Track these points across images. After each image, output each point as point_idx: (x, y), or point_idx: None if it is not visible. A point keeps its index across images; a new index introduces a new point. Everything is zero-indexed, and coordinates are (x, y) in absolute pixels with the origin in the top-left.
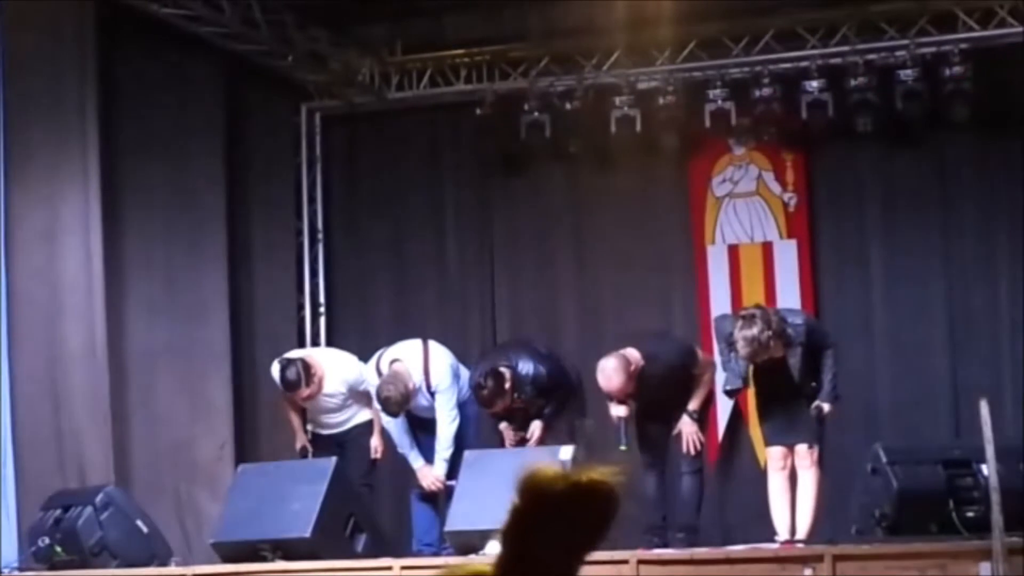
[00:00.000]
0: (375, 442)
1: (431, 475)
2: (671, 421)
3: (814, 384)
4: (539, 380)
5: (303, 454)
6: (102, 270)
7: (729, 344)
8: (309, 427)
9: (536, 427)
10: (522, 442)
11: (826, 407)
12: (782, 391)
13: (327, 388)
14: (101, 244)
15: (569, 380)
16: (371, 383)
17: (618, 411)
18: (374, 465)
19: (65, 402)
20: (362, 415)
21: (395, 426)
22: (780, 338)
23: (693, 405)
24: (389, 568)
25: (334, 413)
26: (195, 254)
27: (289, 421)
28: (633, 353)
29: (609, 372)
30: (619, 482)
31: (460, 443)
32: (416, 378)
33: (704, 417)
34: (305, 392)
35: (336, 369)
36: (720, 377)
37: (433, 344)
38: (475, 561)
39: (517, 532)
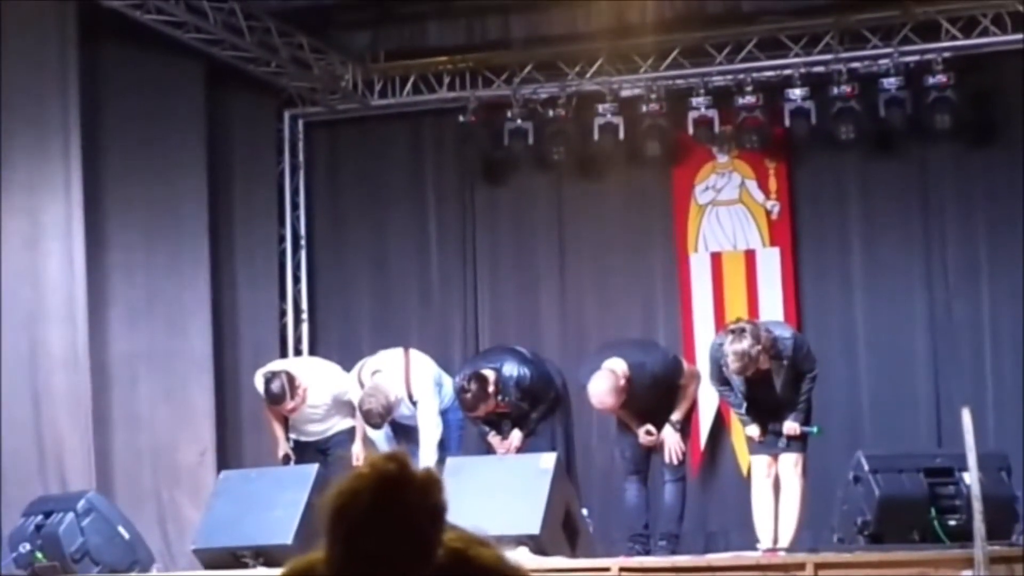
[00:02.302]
0: (357, 449)
1: None
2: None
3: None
4: (523, 383)
5: (285, 461)
6: (84, 276)
7: (718, 361)
8: (291, 435)
9: (516, 436)
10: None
11: (787, 428)
12: (767, 401)
13: (311, 400)
14: (83, 250)
15: (555, 385)
16: (352, 393)
17: (644, 440)
18: None
19: (47, 408)
20: (344, 423)
21: (379, 435)
22: (769, 351)
23: (676, 416)
24: None
25: (317, 423)
26: (177, 260)
27: (271, 429)
28: (619, 364)
29: (602, 395)
30: (432, 481)
31: (443, 451)
32: (397, 389)
33: (686, 427)
34: (290, 405)
35: (320, 381)
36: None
37: (414, 353)
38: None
39: (337, 558)
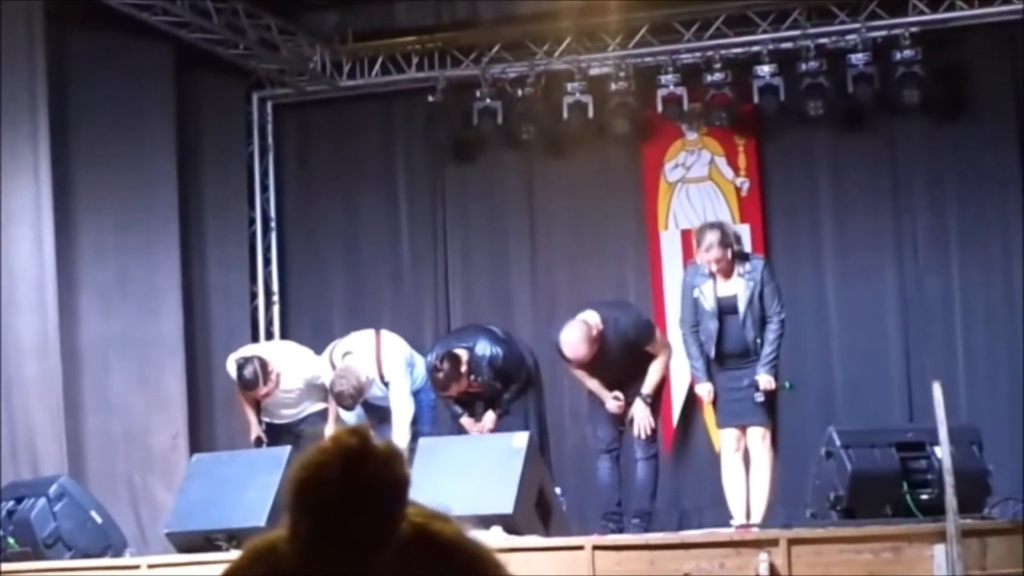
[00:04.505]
0: (330, 431)
1: None
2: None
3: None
4: (496, 362)
5: (258, 444)
6: (54, 260)
7: (691, 287)
8: (264, 418)
9: (489, 418)
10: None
11: (762, 381)
12: (736, 339)
13: (284, 384)
14: (53, 234)
15: (527, 364)
16: (325, 377)
17: (612, 406)
18: None
19: (18, 393)
20: (317, 406)
21: (351, 416)
22: (737, 256)
23: (647, 390)
24: None
25: (290, 407)
26: (148, 244)
27: (244, 412)
28: (592, 316)
29: (575, 343)
30: (394, 453)
31: (415, 431)
32: (369, 370)
33: (657, 403)
34: (263, 391)
35: (293, 365)
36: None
37: (385, 334)
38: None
39: (303, 533)
